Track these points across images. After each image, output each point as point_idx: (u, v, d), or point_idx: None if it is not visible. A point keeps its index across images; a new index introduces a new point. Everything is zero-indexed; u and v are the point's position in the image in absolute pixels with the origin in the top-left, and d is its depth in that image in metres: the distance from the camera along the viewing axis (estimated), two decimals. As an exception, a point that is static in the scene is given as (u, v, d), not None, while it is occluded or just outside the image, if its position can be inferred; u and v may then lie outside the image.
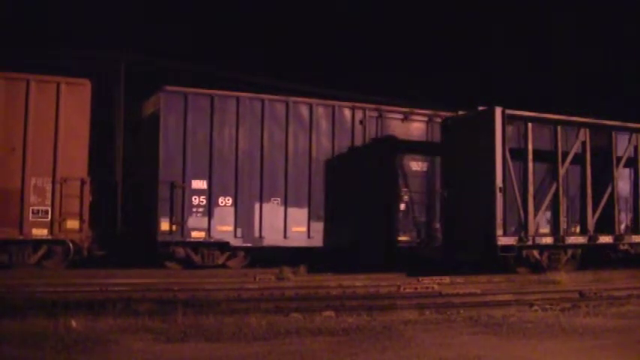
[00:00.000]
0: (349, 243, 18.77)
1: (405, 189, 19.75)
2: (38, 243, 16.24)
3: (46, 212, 16.08)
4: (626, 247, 18.63)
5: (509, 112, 17.11)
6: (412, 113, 20.11)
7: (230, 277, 15.71)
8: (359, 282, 14.69)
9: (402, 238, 19.59)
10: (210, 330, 8.39)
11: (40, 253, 16.31)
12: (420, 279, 15.18)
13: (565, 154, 18.11)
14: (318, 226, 18.52)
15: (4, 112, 15.92)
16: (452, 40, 34.28)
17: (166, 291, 12.51)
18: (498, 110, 16.96)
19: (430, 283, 14.54)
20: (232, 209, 17.71)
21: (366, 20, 35.98)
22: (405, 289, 13.38)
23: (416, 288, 13.64)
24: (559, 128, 18.07)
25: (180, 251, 17.44)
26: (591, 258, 18.80)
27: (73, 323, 8.34)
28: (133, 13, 29.10)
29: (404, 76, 31.96)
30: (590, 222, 18.42)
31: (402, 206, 19.68)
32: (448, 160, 18.83)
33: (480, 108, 17.55)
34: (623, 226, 19.18)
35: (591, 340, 8.47)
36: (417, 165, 19.89)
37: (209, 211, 17.48)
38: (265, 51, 33.07)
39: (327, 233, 18.55)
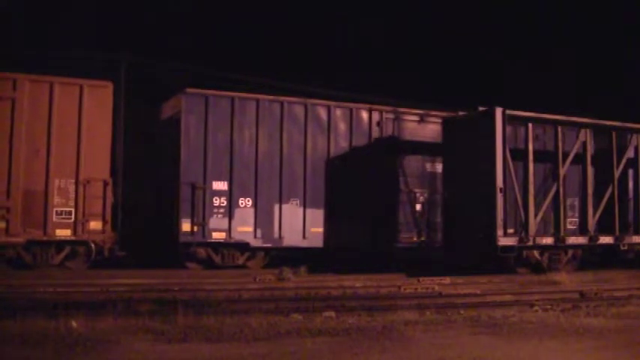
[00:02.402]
0: (367, 244, 18.89)
1: (421, 190, 19.83)
2: (62, 244, 16.32)
3: (70, 213, 16.18)
4: (626, 247, 18.62)
5: (509, 112, 17.10)
6: (428, 115, 20.19)
7: (230, 278, 15.71)
8: (359, 282, 14.68)
9: (416, 238, 19.66)
10: (210, 330, 8.40)
11: (64, 253, 16.40)
12: (421, 279, 15.17)
13: (572, 155, 18.17)
14: (337, 227, 18.57)
15: (28, 114, 16.02)
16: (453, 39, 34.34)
17: (167, 291, 12.50)
18: (499, 110, 16.95)
19: (430, 283, 14.53)
20: (252, 210, 17.83)
21: (363, 20, 36.07)
22: (405, 289, 13.37)
23: (416, 288, 13.63)
24: (559, 128, 18.09)
25: (202, 252, 17.55)
26: (608, 259, 18.90)
27: (74, 323, 8.35)
28: (133, 14, 29.17)
29: (404, 76, 32.03)
30: (591, 222, 18.42)
31: (418, 207, 19.76)
32: (449, 160, 18.82)
33: (481, 108, 17.54)
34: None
35: (592, 340, 8.48)
36: (431, 166, 19.94)
37: (229, 212, 17.59)
38: (263, 51, 33.16)
39: (345, 234, 18.60)
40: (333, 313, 10.05)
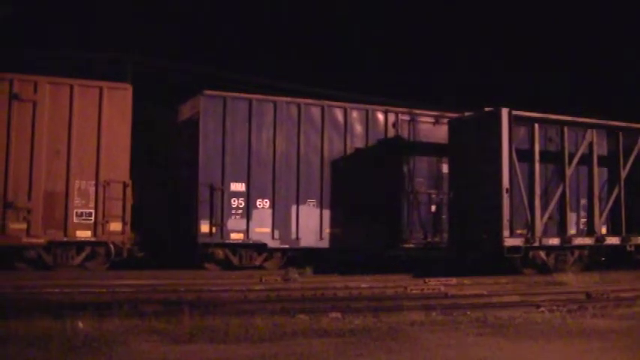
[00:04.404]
0: (384, 245, 19.00)
1: (435, 191, 19.86)
2: (82, 244, 16.46)
3: (90, 214, 16.34)
4: (632, 248, 18.58)
5: (515, 112, 17.09)
6: (443, 117, 20.21)
7: (236, 279, 15.72)
8: (365, 283, 14.66)
9: (431, 239, 19.70)
10: (216, 331, 8.39)
11: (84, 254, 16.54)
12: (427, 280, 15.15)
13: (579, 156, 18.20)
14: (353, 228, 18.63)
15: (49, 116, 16.18)
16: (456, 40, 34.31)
17: (173, 292, 12.51)
18: (505, 111, 16.95)
19: (436, 284, 14.51)
20: (270, 211, 17.99)
21: (367, 20, 36.09)
22: (411, 290, 13.37)
23: (422, 289, 13.61)
24: (565, 129, 18.08)
25: (220, 253, 17.71)
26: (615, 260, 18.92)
27: (80, 324, 8.36)
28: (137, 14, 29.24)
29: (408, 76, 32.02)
30: (597, 223, 18.39)
31: (433, 208, 19.81)
32: (455, 161, 18.82)
33: (487, 109, 17.53)
34: None
35: (598, 341, 8.45)
36: (447, 167, 19.94)
37: (247, 213, 17.75)
38: (264, 51, 33.21)
39: (361, 235, 18.66)
40: (339, 314, 10.03)
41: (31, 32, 28.26)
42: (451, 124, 19.11)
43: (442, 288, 13.85)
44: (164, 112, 19.84)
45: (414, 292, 13.22)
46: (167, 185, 19.16)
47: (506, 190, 16.76)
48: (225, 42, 33.44)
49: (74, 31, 28.75)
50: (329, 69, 31.28)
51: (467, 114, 18.60)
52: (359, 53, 34.35)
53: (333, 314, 10.02)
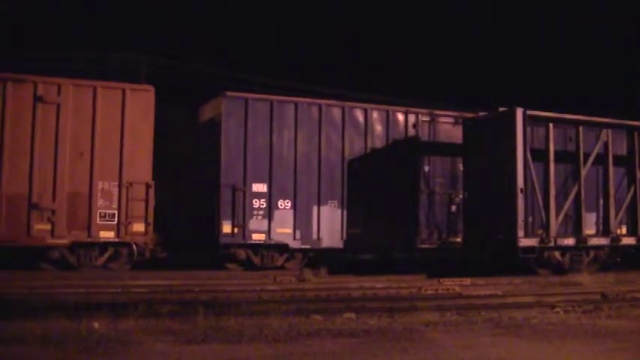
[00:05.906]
0: (402, 245, 19.02)
1: (455, 191, 19.86)
2: (105, 245, 16.57)
3: (113, 215, 16.42)
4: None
5: (530, 112, 17.03)
6: (462, 117, 20.12)
7: (250, 279, 15.75)
8: (380, 284, 14.66)
9: (453, 239, 19.67)
10: (230, 331, 8.41)
11: (107, 255, 16.64)
12: (441, 280, 15.13)
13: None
14: (372, 229, 18.62)
15: (72, 118, 16.27)
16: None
17: (187, 292, 12.55)
18: (519, 111, 16.88)
19: (451, 284, 14.47)
20: (291, 212, 18.01)
21: (370, 19, 36.12)
22: (425, 290, 13.35)
23: (437, 290, 13.59)
24: (581, 128, 18.01)
25: (242, 253, 17.72)
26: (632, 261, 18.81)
27: (96, 324, 8.40)
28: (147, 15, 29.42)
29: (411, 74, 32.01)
30: (613, 223, 18.29)
31: (453, 208, 19.78)
32: (469, 161, 18.77)
33: (501, 109, 17.47)
34: None
35: (613, 342, 8.41)
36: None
37: (269, 214, 17.79)
38: (266, 50, 33.33)
39: (380, 235, 18.63)
40: (353, 315, 10.04)
41: (39, 33, 28.43)
42: (466, 124, 19.07)
43: (457, 288, 13.82)
44: (179, 112, 19.87)
45: (428, 292, 13.20)
46: (187, 186, 19.18)
47: (521, 190, 16.70)
48: (234, 43, 33.58)
49: (84, 31, 28.90)
50: (331, 68, 31.30)
51: (482, 114, 18.56)
52: (363, 51, 34.36)
53: (348, 314, 10.03)
